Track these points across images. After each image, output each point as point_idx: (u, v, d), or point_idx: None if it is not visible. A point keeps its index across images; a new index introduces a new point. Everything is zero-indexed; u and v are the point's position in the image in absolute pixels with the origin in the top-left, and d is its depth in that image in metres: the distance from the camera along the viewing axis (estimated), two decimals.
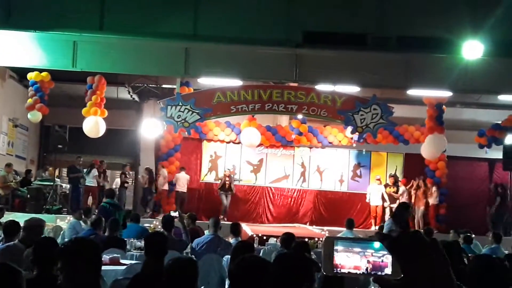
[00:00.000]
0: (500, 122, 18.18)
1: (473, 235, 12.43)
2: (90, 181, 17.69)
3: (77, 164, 17.73)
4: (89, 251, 3.69)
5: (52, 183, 16.63)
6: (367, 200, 18.82)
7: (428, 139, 17.81)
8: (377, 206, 18.69)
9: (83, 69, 14.26)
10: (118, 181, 18.71)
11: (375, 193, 18.73)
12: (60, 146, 17.17)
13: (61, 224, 13.39)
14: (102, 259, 7.28)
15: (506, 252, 9.67)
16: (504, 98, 16.03)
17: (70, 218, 13.51)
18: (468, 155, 19.53)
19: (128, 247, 9.04)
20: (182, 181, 18.30)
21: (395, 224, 8.65)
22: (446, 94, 16.16)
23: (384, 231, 9.00)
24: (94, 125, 15.84)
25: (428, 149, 17.82)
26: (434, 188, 18.37)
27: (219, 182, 18.66)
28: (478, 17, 12.70)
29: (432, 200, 18.25)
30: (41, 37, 13.80)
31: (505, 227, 17.45)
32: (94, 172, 17.77)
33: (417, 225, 17.76)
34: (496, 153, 18.50)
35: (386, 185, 18.95)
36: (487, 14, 12.50)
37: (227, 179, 18.39)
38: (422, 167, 18.91)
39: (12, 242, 6.61)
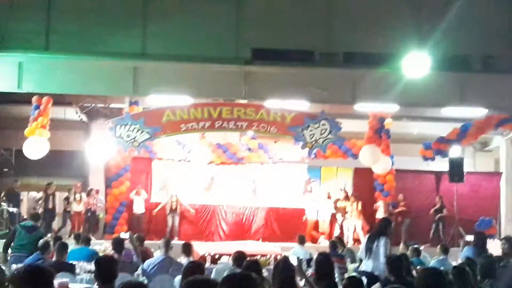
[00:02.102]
0: (445, 135, 18.59)
1: (422, 247, 12.65)
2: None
3: (16, 187, 17.36)
4: (42, 279, 3.63)
5: None
6: (316, 217, 18.99)
7: (364, 149, 17.92)
8: (324, 221, 18.89)
9: (29, 91, 14.04)
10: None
11: (323, 208, 18.93)
12: (5, 169, 16.79)
13: None
14: None
15: (454, 263, 9.84)
16: (448, 111, 16.40)
17: None
18: (415, 168, 19.88)
19: (78, 270, 8.88)
20: (139, 202, 18.19)
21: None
22: (392, 108, 16.46)
23: (362, 250, 8.96)
24: (35, 146, 15.51)
25: (364, 159, 18.00)
26: (380, 202, 18.68)
27: (166, 204, 18.58)
28: (422, 33, 13.02)
29: (380, 215, 18.54)
30: None
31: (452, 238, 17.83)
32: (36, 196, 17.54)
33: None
34: (442, 165, 18.92)
35: (337, 200, 19.14)
36: (430, 30, 12.82)
37: (173, 199, 18.34)
38: (371, 181, 19.19)
39: None
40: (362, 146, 18.86)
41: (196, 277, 3.67)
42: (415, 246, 11.92)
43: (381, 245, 9.07)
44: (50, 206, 17.65)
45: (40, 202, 17.69)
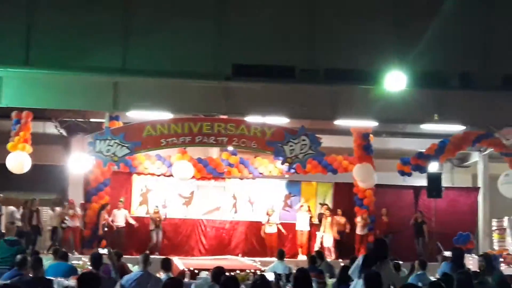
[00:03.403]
0: (423, 150, 18.77)
1: (401, 262, 12.71)
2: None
3: None
4: None
5: None
6: (298, 227, 19.09)
7: (357, 168, 18.28)
8: (302, 231, 18.95)
9: (8, 105, 13.97)
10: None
11: (301, 219, 19.02)
12: None
13: None
14: None
15: (432, 278, 9.91)
16: (427, 127, 16.57)
17: None
18: (394, 183, 20.01)
19: (55, 286, 8.82)
20: (120, 217, 18.15)
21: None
22: (371, 124, 16.62)
23: (355, 270, 8.67)
24: (19, 161, 15.45)
25: (357, 177, 18.31)
26: (359, 219, 18.80)
27: (150, 220, 18.55)
28: (402, 50, 13.17)
29: (359, 231, 18.66)
30: None
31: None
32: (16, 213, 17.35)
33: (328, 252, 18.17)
34: (421, 181, 19.08)
35: (320, 214, 19.19)
36: (410, 47, 12.98)
37: (156, 215, 18.33)
38: (351, 196, 19.30)
39: None
40: (342, 161, 19.05)
41: None
42: (395, 261, 11.97)
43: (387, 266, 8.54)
44: (35, 222, 17.42)
45: (19, 217, 17.49)
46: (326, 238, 18.72)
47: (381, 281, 6.94)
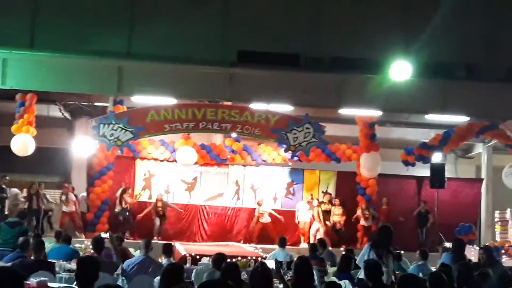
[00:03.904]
0: (427, 140, 18.73)
1: (402, 252, 12.75)
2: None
3: (3, 183, 17.29)
4: (11, 282, 3.64)
5: None
6: (296, 219, 19.06)
7: (364, 157, 18.24)
8: (305, 222, 18.98)
9: (12, 87, 13.98)
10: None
11: (303, 210, 19.03)
12: None
13: None
14: (29, 282, 7.18)
15: (433, 268, 9.93)
16: (431, 117, 16.53)
17: None
18: (397, 173, 20.01)
19: (57, 269, 8.87)
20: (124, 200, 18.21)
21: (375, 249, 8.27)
22: (376, 113, 16.58)
23: (362, 258, 8.58)
24: (23, 143, 15.49)
25: (364, 167, 18.29)
26: (359, 211, 18.75)
27: (151, 206, 18.51)
28: (407, 39, 13.11)
29: (363, 222, 18.63)
30: None
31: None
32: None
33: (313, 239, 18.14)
34: (424, 171, 19.06)
35: (321, 203, 19.21)
36: (415, 36, 12.92)
37: (159, 204, 18.30)
38: (353, 185, 19.29)
39: None
40: (345, 149, 19.03)
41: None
42: (396, 251, 11.99)
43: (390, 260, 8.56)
44: (35, 206, 17.48)
45: (22, 199, 17.58)
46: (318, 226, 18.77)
47: (381, 270, 6.98)
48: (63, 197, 17.74)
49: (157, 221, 18.23)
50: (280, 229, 18.79)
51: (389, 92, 13.55)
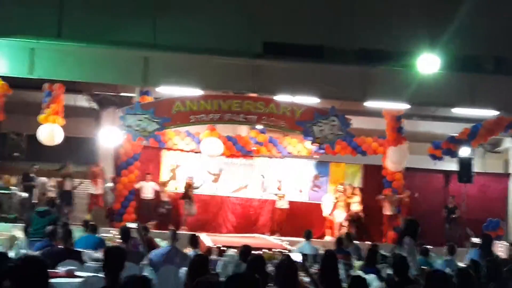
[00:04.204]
0: (455, 134, 18.53)
1: (429, 247, 12.63)
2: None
3: (32, 172, 17.48)
4: (36, 271, 3.68)
5: (8, 191, 16.35)
6: (323, 212, 19.00)
7: (391, 150, 18.09)
8: (331, 215, 18.92)
9: (40, 77, 14.12)
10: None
11: (328, 203, 18.96)
12: (16, 154, 16.89)
13: (16, 233, 13.15)
14: (58, 271, 7.25)
15: (460, 264, 9.83)
16: (459, 111, 16.35)
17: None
18: (424, 167, 19.83)
19: (85, 258, 8.93)
20: (148, 188, 18.29)
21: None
22: (403, 106, 16.43)
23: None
24: (50, 133, 15.61)
25: (391, 160, 18.14)
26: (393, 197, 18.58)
27: (180, 190, 18.57)
28: (435, 32, 12.98)
29: (388, 211, 18.50)
30: None
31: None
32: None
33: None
34: (452, 165, 18.86)
35: (347, 196, 19.10)
36: (443, 29, 12.78)
37: (188, 187, 18.39)
38: (380, 178, 19.14)
39: None
40: (371, 142, 18.90)
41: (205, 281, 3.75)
42: (423, 245, 11.89)
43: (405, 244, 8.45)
44: (68, 187, 17.77)
45: (51, 188, 17.79)
46: (339, 214, 18.69)
47: (407, 264, 6.91)
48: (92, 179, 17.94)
49: (187, 208, 18.28)
50: (306, 221, 18.71)
51: (416, 85, 13.44)
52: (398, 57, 13.37)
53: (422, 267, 9.22)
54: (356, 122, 16.94)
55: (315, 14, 13.76)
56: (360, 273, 8.35)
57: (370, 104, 15.50)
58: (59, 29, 13.06)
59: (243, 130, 19.67)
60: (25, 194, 17.20)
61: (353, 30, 13.46)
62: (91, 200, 18.13)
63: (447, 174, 20.02)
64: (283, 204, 18.95)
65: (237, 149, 19.14)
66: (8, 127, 17.58)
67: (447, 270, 8.44)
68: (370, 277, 8.19)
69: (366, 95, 14.63)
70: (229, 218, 19.50)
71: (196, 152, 18.99)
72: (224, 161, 19.57)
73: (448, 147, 18.27)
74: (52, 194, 17.68)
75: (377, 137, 18.99)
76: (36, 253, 8.41)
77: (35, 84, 16.14)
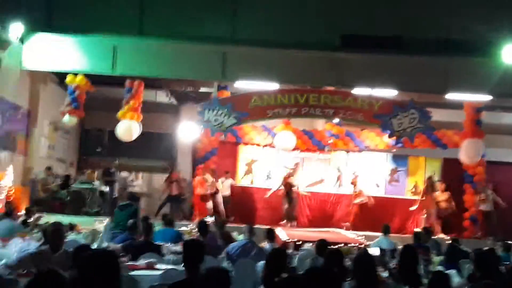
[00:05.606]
0: None
1: (511, 242, 12.20)
2: None
3: (112, 167, 17.94)
4: (107, 265, 3.78)
5: (91, 186, 16.85)
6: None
7: (466, 143, 17.59)
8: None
9: (122, 74, 14.48)
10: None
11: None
12: (98, 149, 17.36)
13: (99, 227, 13.57)
14: (139, 263, 7.43)
15: None
16: None
17: (107, 220, 13.80)
18: (508, 160, 19.18)
19: (164, 251, 9.12)
20: (226, 185, 18.50)
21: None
22: (485, 98, 15.93)
23: None
24: (127, 128, 15.97)
25: (465, 153, 17.62)
26: (487, 192, 17.98)
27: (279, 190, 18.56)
28: None
29: (484, 207, 17.90)
30: (81, 42, 14.06)
31: None
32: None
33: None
34: None
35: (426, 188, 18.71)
36: None
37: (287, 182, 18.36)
38: (460, 172, 18.64)
39: (44, 247, 6.71)
40: (452, 135, 18.43)
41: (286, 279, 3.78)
42: (505, 241, 11.53)
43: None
44: (175, 192, 18.07)
45: (132, 184, 18.21)
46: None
47: (490, 259, 6.71)
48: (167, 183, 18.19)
49: (286, 204, 18.31)
50: (385, 216, 18.44)
51: (499, 76, 13.04)
52: (481, 47, 13.01)
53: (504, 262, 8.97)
54: (436, 115, 16.54)
55: (394, 4, 13.54)
56: (440, 268, 8.17)
57: (451, 96, 15.13)
58: (141, 26, 13.37)
59: (319, 124, 19.57)
60: (106, 189, 17.68)
61: (433, 20, 13.20)
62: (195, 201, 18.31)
63: None
64: (363, 200, 18.72)
65: (313, 143, 19.06)
66: (91, 123, 18.08)
67: None
68: (451, 273, 8.00)
69: (447, 87, 14.30)
70: (305, 212, 19.44)
71: (273, 147, 19.03)
72: (301, 155, 19.53)
73: None
74: (131, 188, 18.07)
75: (458, 130, 18.49)
76: (118, 246, 8.65)
77: (116, 81, 16.54)
